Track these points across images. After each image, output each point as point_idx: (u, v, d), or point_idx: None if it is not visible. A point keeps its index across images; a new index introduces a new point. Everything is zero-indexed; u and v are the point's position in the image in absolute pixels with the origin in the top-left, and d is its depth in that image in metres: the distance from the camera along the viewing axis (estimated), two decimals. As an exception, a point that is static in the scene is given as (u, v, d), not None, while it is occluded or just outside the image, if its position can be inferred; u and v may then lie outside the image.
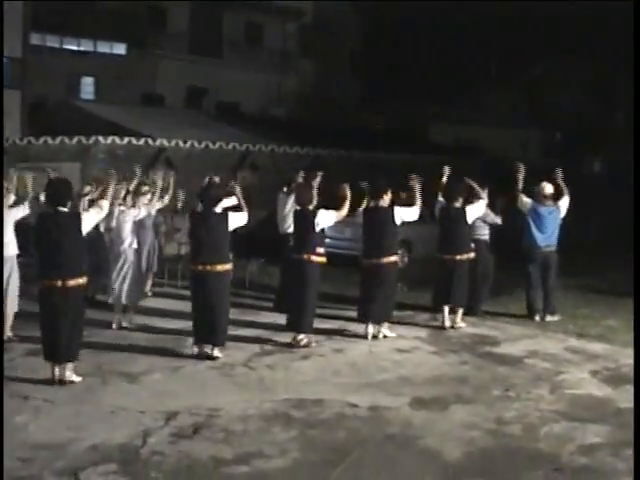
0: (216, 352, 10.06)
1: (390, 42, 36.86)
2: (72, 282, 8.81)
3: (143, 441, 7.23)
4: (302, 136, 26.09)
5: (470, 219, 12.28)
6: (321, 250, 10.99)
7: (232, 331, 11.14)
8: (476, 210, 12.38)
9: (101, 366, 9.53)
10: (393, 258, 11.51)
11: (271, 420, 7.88)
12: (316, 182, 11.49)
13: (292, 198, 12.09)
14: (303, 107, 38.96)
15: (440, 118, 34.20)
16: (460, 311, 12.34)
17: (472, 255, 12.39)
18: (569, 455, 7.17)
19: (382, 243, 11.40)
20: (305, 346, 10.74)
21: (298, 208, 11.09)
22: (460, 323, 12.29)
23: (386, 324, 11.63)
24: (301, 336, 10.86)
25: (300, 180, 12.59)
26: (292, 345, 10.79)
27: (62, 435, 7.35)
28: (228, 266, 10.16)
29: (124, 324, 11.71)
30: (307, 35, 42.03)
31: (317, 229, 10.94)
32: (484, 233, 13.01)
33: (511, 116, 34.88)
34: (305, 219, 10.95)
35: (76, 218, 9.05)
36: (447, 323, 12.22)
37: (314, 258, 10.91)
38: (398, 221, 11.45)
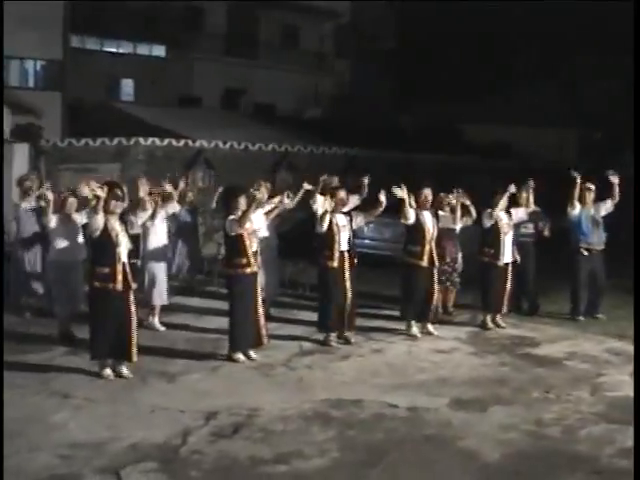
0: (253, 353, 10.14)
1: (424, 42, 36.78)
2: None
3: (183, 440, 7.26)
4: (338, 137, 26.07)
5: (514, 221, 12.34)
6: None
7: (272, 331, 11.19)
8: (520, 214, 12.45)
9: (140, 365, 9.56)
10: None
11: (310, 420, 7.90)
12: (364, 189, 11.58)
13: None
14: (339, 108, 38.96)
15: (474, 117, 34.00)
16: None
17: (517, 258, 12.39)
18: (608, 458, 7.13)
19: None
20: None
21: (331, 211, 11.03)
22: (502, 323, 12.31)
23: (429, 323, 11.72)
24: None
25: (335, 182, 12.59)
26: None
27: (102, 433, 7.40)
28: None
29: (156, 325, 11.73)
30: (343, 36, 42.04)
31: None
32: (529, 234, 12.99)
33: (547, 114, 34.59)
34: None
35: (122, 220, 9.23)
36: (491, 324, 12.26)
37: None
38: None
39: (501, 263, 12.13)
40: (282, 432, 7.57)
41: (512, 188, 12.15)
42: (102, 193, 9.04)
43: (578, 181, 12.73)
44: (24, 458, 6.80)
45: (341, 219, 10.90)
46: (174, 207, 11.96)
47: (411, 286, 11.61)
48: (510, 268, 12.28)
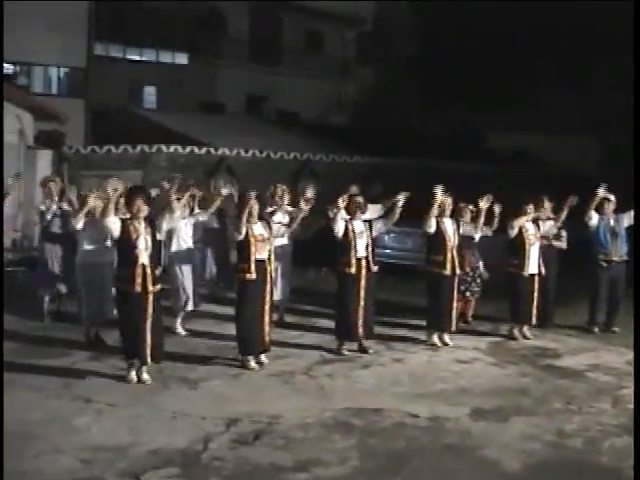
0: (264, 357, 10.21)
1: (447, 48, 36.71)
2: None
3: (204, 446, 7.29)
4: (361, 144, 26.09)
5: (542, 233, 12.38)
6: None
7: (293, 339, 11.23)
8: (547, 226, 12.52)
9: (161, 371, 9.60)
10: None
11: (331, 428, 7.90)
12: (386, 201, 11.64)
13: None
14: (362, 114, 38.97)
15: (497, 124, 33.92)
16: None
17: (543, 269, 12.38)
18: (631, 470, 7.06)
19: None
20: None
21: (348, 217, 11.02)
22: (529, 334, 12.31)
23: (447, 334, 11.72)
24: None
25: (354, 190, 12.62)
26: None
27: (123, 438, 7.44)
28: None
29: (179, 331, 11.77)
30: (366, 42, 42.06)
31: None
32: (560, 245, 12.97)
33: (569, 121, 34.42)
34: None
35: (150, 224, 9.29)
36: (518, 335, 12.27)
37: None
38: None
39: (526, 274, 12.10)
40: (303, 440, 7.58)
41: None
42: (117, 191, 9.16)
43: (600, 195, 12.66)
44: (46, 461, 6.85)
45: (358, 225, 10.89)
46: (204, 215, 12.03)
47: (436, 295, 11.60)
48: (537, 279, 12.24)
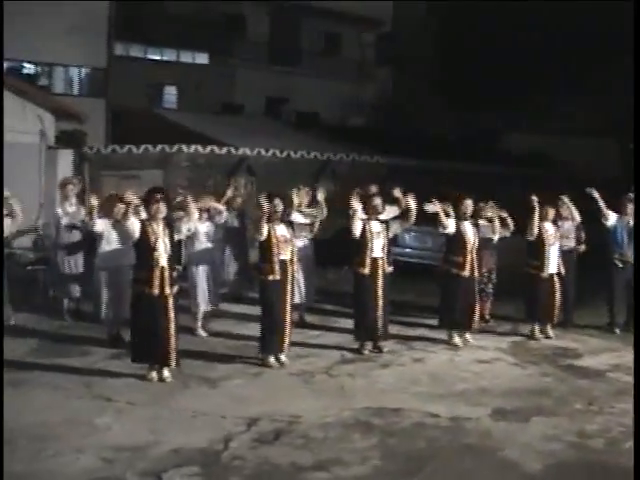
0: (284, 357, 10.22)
1: (464, 50, 36.63)
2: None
3: (224, 445, 7.29)
4: (380, 145, 26.05)
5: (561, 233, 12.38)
6: None
7: (313, 339, 11.23)
8: (567, 225, 12.59)
9: (182, 370, 9.62)
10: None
11: (351, 428, 7.90)
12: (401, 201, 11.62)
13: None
14: (381, 116, 38.95)
15: (514, 126, 33.80)
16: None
17: (562, 270, 12.33)
18: (653, 470, 7.05)
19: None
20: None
21: (365, 217, 11.03)
22: (551, 334, 12.29)
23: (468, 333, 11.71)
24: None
25: (373, 190, 12.63)
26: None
27: (144, 437, 7.45)
28: None
29: (199, 331, 11.79)
30: (384, 44, 42.03)
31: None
32: (570, 245, 12.90)
33: (587, 123, 34.23)
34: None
35: (168, 226, 9.30)
36: (539, 335, 12.24)
37: None
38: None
39: (546, 274, 12.07)
40: (323, 439, 7.58)
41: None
42: (135, 201, 9.20)
43: (595, 195, 12.63)
44: (66, 460, 6.87)
45: (375, 226, 10.89)
46: (223, 216, 12.05)
47: (453, 296, 11.57)
48: (556, 279, 12.20)
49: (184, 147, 21.14)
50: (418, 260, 16.34)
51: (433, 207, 11.23)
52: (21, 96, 19.73)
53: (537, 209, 11.69)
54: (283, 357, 10.17)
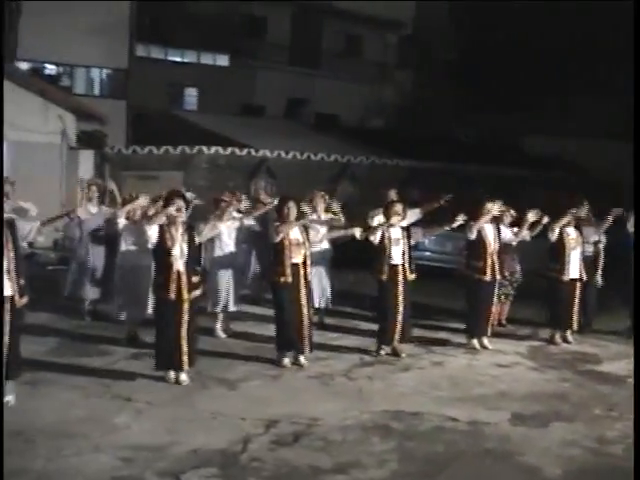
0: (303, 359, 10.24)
1: (485, 53, 36.56)
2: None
3: (243, 447, 7.29)
4: (401, 148, 26.06)
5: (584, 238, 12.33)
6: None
7: (332, 341, 11.23)
8: (589, 231, 12.50)
9: (200, 371, 9.64)
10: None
11: (370, 431, 7.89)
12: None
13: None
14: (402, 119, 38.92)
15: (535, 129, 33.71)
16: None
17: (584, 275, 12.29)
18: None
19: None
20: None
21: (386, 225, 11.00)
22: (571, 339, 12.26)
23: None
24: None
25: (393, 196, 12.65)
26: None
27: (163, 437, 7.46)
28: None
29: (218, 332, 11.80)
30: (405, 46, 41.99)
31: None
32: (589, 251, 12.85)
33: (604, 126, 34.05)
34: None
35: (189, 229, 9.28)
36: (559, 340, 12.20)
37: None
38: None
39: (567, 279, 12.02)
40: (341, 442, 7.57)
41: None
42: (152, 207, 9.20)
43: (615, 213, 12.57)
44: (86, 459, 6.88)
45: (395, 232, 10.85)
46: (249, 219, 12.05)
47: (475, 300, 11.55)
48: (578, 284, 12.15)
49: (204, 148, 21.24)
50: (438, 263, 16.33)
51: (460, 220, 11.20)
52: (43, 97, 19.89)
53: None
54: (302, 359, 10.18)
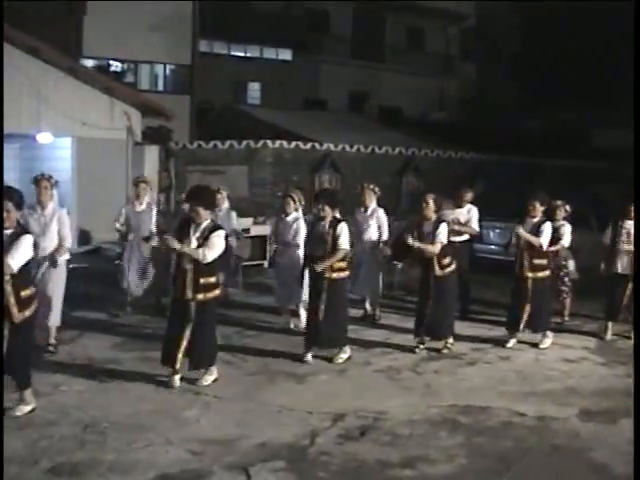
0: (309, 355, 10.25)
1: (550, 44, 36.15)
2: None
3: (311, 441, 7.33)
4: (464, 141, 25.91)
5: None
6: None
7: (399, 335, 11.23)
8: None
9: (267, 365, 9.72)
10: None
11: (437, 425, 7.87)
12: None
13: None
14: (465, 111, 38.70)
15: (603, 122, 33.30)
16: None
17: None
18: None
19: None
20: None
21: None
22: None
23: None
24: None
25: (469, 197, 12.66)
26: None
27: (231, 431, 7.52)
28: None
29: (291, 325, 11.86)
30: (468, 38, 41.73)
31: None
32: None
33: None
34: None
35: (213, 229, 8.96)
36: (609, 336, 12.03)
37: None
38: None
39: (618, 272, 11.91)
40: (409, 436, 7.56)
41: None
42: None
43: None
44: (157, 452, 6.96)
45: (427, 228, 10.66)
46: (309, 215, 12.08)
47: (512, 297, 11.47)
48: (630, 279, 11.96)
49: (269, 142, 21.29)
50: (502, 257, 16.15)
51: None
52: (108, 93, 20.12)
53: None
54: (309, 356, 10.15)
